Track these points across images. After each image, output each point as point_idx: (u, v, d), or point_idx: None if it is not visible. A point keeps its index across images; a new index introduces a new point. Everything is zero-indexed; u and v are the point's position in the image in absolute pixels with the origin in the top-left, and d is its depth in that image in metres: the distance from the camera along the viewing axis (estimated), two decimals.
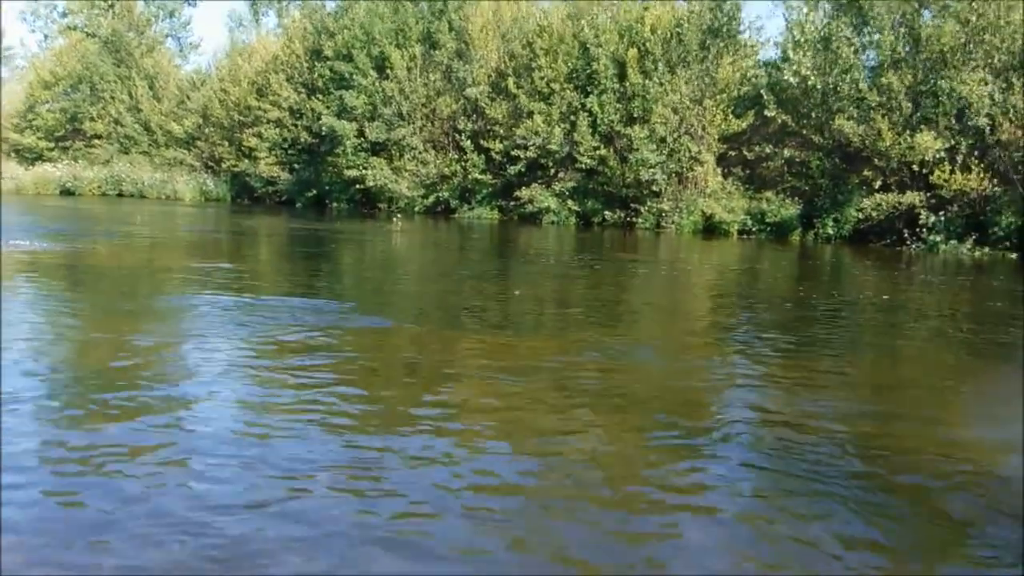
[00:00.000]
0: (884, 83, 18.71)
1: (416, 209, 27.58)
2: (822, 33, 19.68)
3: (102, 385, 4.89)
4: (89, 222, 20.69)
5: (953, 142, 18.06)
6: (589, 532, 3.14)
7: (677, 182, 22.58)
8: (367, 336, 6.65)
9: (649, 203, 22.50)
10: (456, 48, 26.99)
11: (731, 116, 22.19)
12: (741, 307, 9.66)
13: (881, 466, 3.91)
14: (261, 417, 4.32)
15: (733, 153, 22.46)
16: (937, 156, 17.98)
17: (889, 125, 18.42)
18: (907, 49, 18.92)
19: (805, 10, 20.19)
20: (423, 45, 27.83)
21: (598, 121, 23.06)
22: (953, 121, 18.33)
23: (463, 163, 26.38)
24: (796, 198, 20.59)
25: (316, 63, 30.73)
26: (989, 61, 17.81)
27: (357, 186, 28.82)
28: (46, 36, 48.88)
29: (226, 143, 34.37)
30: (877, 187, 19.06)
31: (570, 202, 23.97)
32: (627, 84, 22.75)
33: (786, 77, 19.85)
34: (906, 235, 18.12)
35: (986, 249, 17.20)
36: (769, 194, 21.04)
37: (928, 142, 17.81)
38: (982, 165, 17.63)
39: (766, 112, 20.54)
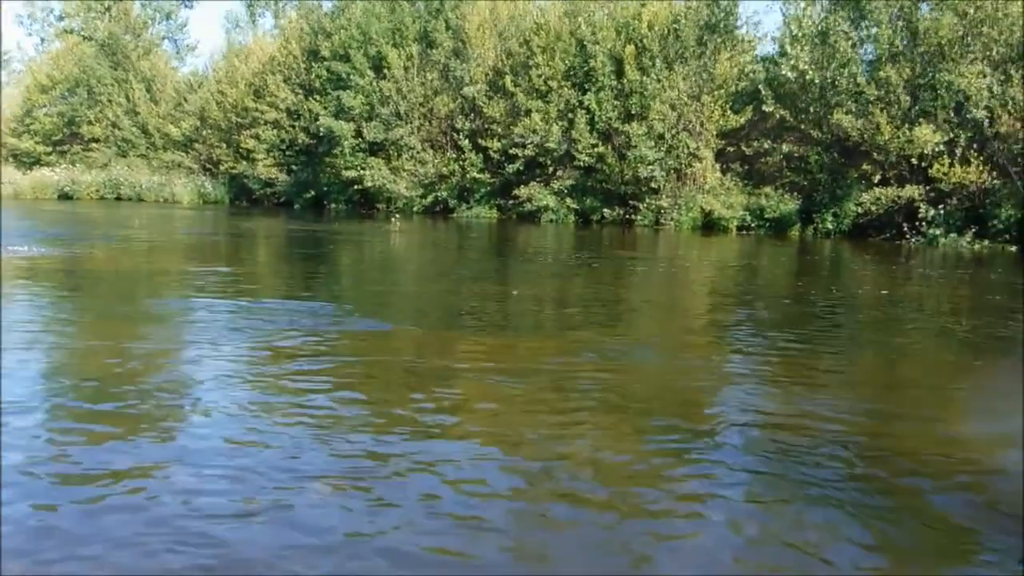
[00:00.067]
0: (882, 77, 18.68)
1: (415, 209, 27.55)
2: (820, 27, 19.65)
3: (97, 391, 4.86)
4: (87, 226, 20.66)
5: (952, 135, 18.03)
6: (585, 535, 3.11)
7: (676, 179, 22.56)
8: (365, 339, 6.62)
9: (648, 200, 22.48)
10: (453, 47, 26.96)
11: (729, 112, 22.17)
12: (740, 304, 9.63)
13: (879, 465, 3.88)
14: (257, 422, 4.29)
15: (731, 149, 22.44)
16: (936, 149, 17.95)
17: (888, 119, 18.39)
18: (905, 43, 18.89)
19: (802, 5, 20.18)
20: (420, 44, 27.81)
21: (596, 118, 23.03)
22: (952, 114, 18.31)
23: (461, 162, 26.35)
24: (795, 193, 20.57)
25: (313, 64, 30.71)
26: (987, 54, 17.78)
27: (355, 187, 28.80)
28: (43, 39, 48.93)
29: (224, 145, 34.37)
30: (876, 181, 19.04)
31: (569, 200, 23.95)
32: (625, 81, 22.72)
33: (784, 72, 19.82)
34: (905, 229, 18.10)
35: (986, 242, 17.17)
36: (768, 189, 21.02)
37: (927, 135, 17.78)
38: (981, 158, 17.61)
39: (764, 107, 20.51)
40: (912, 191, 18.29)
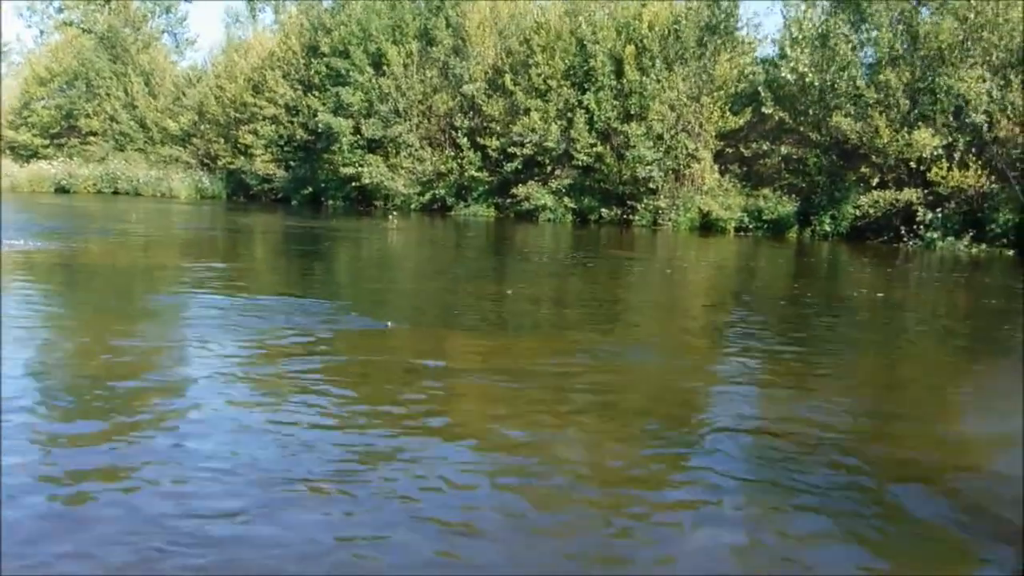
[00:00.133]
0: (882, 80, 18.67)
1: (412, 207, 27.50)
2: (820, 30, 19.63)
3: (89, 389, 4.83)
4: (84, 220, 20.61)
5: (951, 139, 18.03)
6: (575, 536, 3.10)
7: (674, 179, 22.54)
8: (359, 337, 6.60)
9: (646, 200, 22.45)
10: (453, 45, 26.91)
11: (728, 113, 22.14)
12: (736, 305, 9.62)
13: (873, 468, 3.86)
14: (251, 420, 4.26)
15: (730, 150, 22.42)
16: (935, 153, 17.95)
17: (887, 122, 18.38)
18: (905, 46, 18.87)
19: (803, 7, 20.16)
20: (420, 41, 27.75)
21: (595, 118, 23.00)
22: (951, 118, 18.30)
23: (459, 160, 26.31)
24: (793, 195, 20.56)
25: (312, 60, 30.62)
26: (987, 58, 17.77)
27: (353, 183, 28.74)
28: (42, 32, 48.73)
29: (222, 140, 34.27)
30: (874, 184, 19.04)
31: (567, 199, 23.92)
32: (624, 81, 22.69)
33: (784, 74, 19.81)
34: (903, 232, 18.09)
35: (983, 246, 17.18)
36: (766, 191, 21.01)
37: (926, 139, 17.77)
38: (980, 162, 17.62)
39: (763, 109, 20.49)
40: (910, 194, 18.28)
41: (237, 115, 33.20)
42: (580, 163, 23.23)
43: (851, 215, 19.35)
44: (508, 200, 25.07)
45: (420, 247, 17.51)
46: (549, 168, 24.39)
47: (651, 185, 22.37)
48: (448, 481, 3.56)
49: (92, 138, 39.55)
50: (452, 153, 26.82)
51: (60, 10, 46.27)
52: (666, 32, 22.71)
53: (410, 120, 27.60)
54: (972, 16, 17.71)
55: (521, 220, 24.07)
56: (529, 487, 3.57)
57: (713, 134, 22.28)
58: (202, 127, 35.49)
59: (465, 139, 25.91)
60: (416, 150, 27.46)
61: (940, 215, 17.89)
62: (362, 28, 28.61)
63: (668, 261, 15.30)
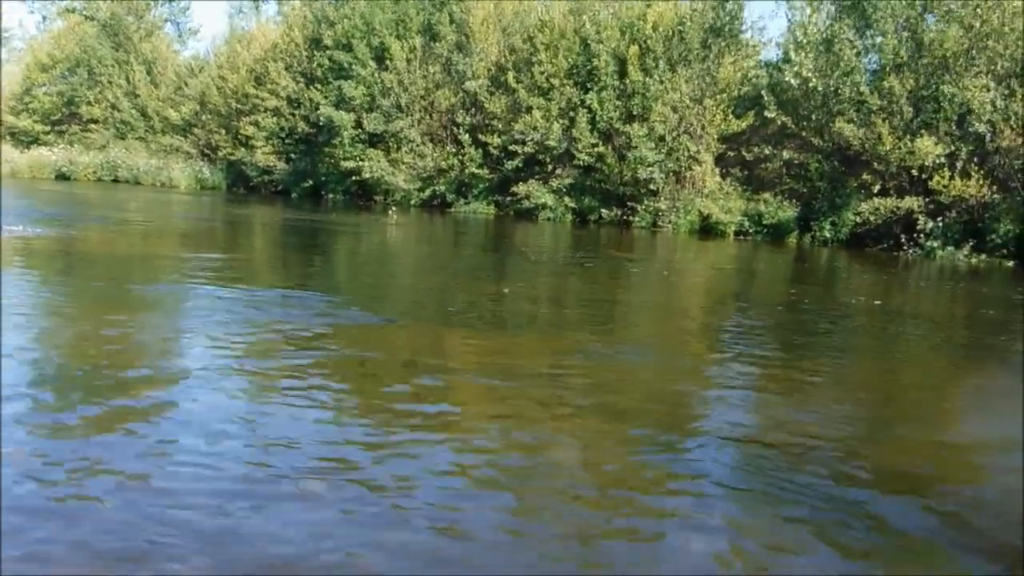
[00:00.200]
0: (885, 87, 18.62)
1: (412, 202, 27.45)
2: (824, 35, 19.57)
3: (82, 380, 4.80)
4: (83, 208, 20.56)
5: (953, 148, 17.99)
6: (564, 537, 3.07)
7: (675, 181, 22.50)
8: (353, 332, 6.56)
9: (646, 202, 22.41)
10: (456, 41, 26.84)
11: (731, 116, 22.09)
12: (732, 309, 9.59)
13: (864, 476, 3.83)
14: (243, 414, 4.23)
15: (732, 153, 22.36)
16: (937, 161, 17.90)
17: (889, 129, 18.34)
18: (909, 53, 18.82)
19: (808, 11, 20.08)
20: (423, 37, 27.67)
21: (597, 118, 22.95)
22: (954, 127, 18.26)
23: (460, 157, 26.25)
24: (794, 200, 20.51)
25: (315, 52, 30.53)
26: (992, 67, 17.73)
27: (353, 177, 28.66)
28: (44, 18, 48.70)
29: (223, 131, 34.18)
30: (875, 191, 18.99)
31: (567, 199, 23.86)
32: (627, 81, 22.63)
33: (787, 78, 19.74)
34: (903, 240, 18.05)
35: (983, 256, 17.15)
36: (767, 195, 20.95)
37: (928, 147, 17.73)
38: (982, 172, 17.57)
39: (766, 113, 20.43)
40: (911, 202, 18.25)
41: (239, 106, 33.12)
42: (581, 163, 23.18)
43: (851, 222, 19.31)
44: (508, 198, 25.02)
45: (419, 243, 17.47)
46: (550, 167, 24.34)
47: (652, 187, 22.32)
48: (438, 480, 3.53)
49: (93, 126, 39.44)
50: (453, 149, 26.76)
51: None
52: (670, 33, 22.65)
53: (412, 115, 27.54)
54: (978, 25, 17.66)
55: (521, 218, 24.03)
56: (518, 487, 3.54)
57: (715, 137, 22.23)
58: (203, 117, 35.40)
59: (466, 136, 25.85)
60: (417, 146, 27.40)
61: (941, 224, 17.85)
62: (365, 22, 28.53)
63: (667, 263, 15.27)
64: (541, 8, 26.08)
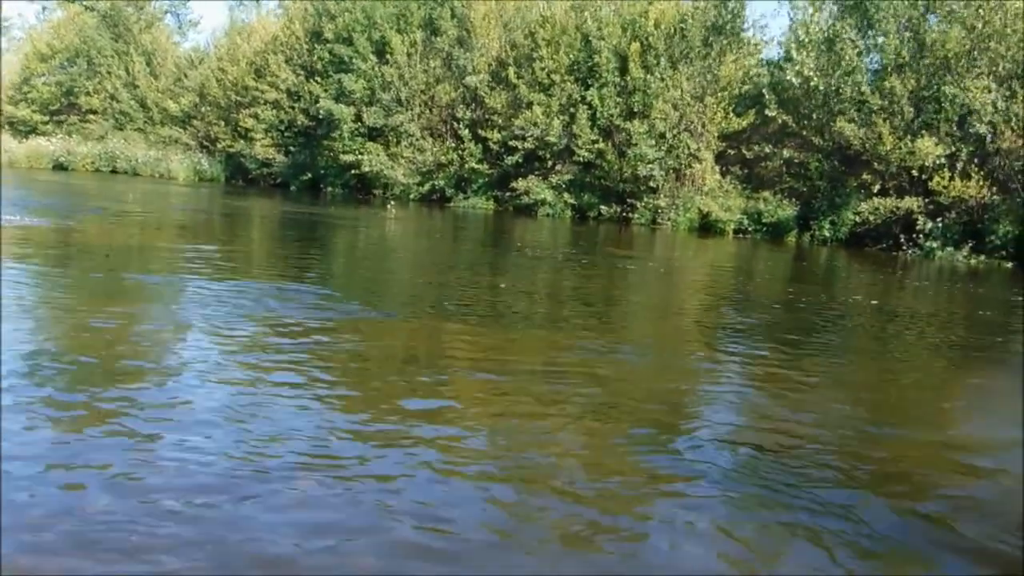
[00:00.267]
0: (887, 87, 18.59)
1: (411, 196, 27.41)
2: (826, 34, 19.53)
3: (73, 374, 4.76)
4: (81, 198, 20.49)
5: (954, 149, 17.97)
6: (556, 537, 3.04)
7: (675, 179, 22.47)
8: (350, 326, 6.52)
9: (646, 199, 22.38)
10: (457, 35, 26.78)
11: (732, 114, 22.07)
12: (730, 308, 9.56)
13: (858, 474, 3.80)
14: (236, 407, 4.19)
15: (732, 152, 22.35)
16: (937, 162, 17.89)
17: (890, 129, 18.32)
18: (911, 53, 18.79)
19: (810, 10, 20.05)
20: (424, 31, 27.61)
21: (598, 114, 22.91)
22: (954, 127, 18.24)
23: (460, 152, 26.21)
24: (793, 199, 20.50)
25: (316, 45, 30.48)
26: (993, 69, 17.70)
27: (353, 171, 28.63)
28: (44, 7, 48.44)
29: (222, 123, 34.12)
30: (875, 191, 18.98)
31: (566, 195, 23.83)
32: (628, 78, 22.59)
33: (788, 77, 19.71)
34: (903, 240, 18.05)
35: (982, 257, 17.14)
36: (767, 194, 20.94)
37: (929, 148, 17.71)
38: (982, 173, 17.56)
39: (767, 112, 20.41)
40: (911, 203, 18.23)
41: (238, 98, 33.05)
42: (581, 159, 23.15)
43: (851, 221, 19.30)
44: (507, 193, 24.99)
45: (418, 238, 17.43)
46: (550, 163, 24.30)
47: (651, 184, 22.29)
48: (431, 478, 3.50)
49: (92, 116, 39.34)
50: (453, 144, 26.72)
51: None
52: (672, 31, 22.61)
53: (412, 110, 27.48)
54: (980, 26, 17.63)
55: (520, 214, 23.99)
56: (511, 486, 3.51)
57: (715, 135, 22.20)
58: (203, 109, 35.34)
59: (466, 131, 25.81)
60: (417, 140, 27.35)
61: (940, 225, 17.84)
62: (366, 15, 28.46)
63: (665, 261, 15.25)
64: (543, 4, 26.00)
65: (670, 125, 22.15)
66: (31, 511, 2.98)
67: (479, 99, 25.76)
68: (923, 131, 18.15)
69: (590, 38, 23.42)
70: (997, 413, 5.22)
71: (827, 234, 19.65)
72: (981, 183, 17.45)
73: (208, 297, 7.32)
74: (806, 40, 19.59)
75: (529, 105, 23.75)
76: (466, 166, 25.98)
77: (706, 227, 21.27)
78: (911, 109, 18.56)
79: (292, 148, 31.91)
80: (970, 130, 17.91)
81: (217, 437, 3.78)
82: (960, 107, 17.84)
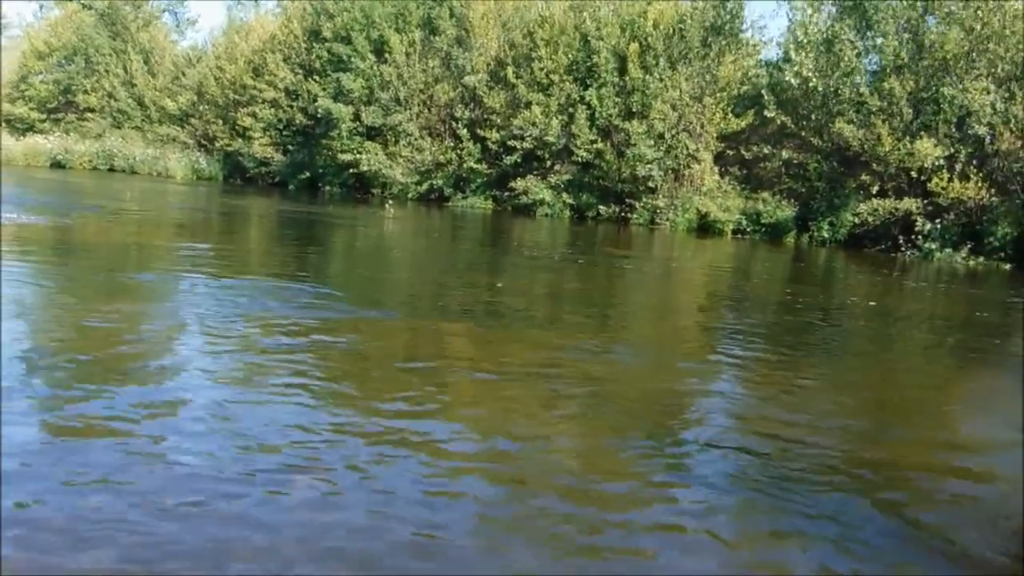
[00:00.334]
0: (886, 88, 18.59)
1: (409, 196, 27.38)
2: (825, 35, 19.53)
3: (73, 371, 4.74)
4: (78, 196, 20.44)
5: (952, 150, 17.97)
6: (550, 537, 3.02)
7: (673, 179, 22.45)
8: (347, 325, 6.50)
9: (644, 199, 22.36)
10: (456, 35, 26.75)
11: (730, 115, 22.06)
12: (727, 309, 9.55)
13: (854, 476, 3.79)
14: (233, 408, 4.17)
15: (731, 152, 22.34)
16: (936, 163, 17.89)
17: (889, 130, 18.31)
18: (910, 55, 18.79)
19: (809, 11, 20.04)
20: (423, 30, 27.57)
21: (596, 114, 22.89)
22: (953, 129, 18.25)
23: (459, 151, 26.18)
24: (792, 200, 20.49)
25: (314, 44, 30.43)
26: (992, 70, 17.71)
27: (351, 170, 28.59)
28: (42, 5, 48.33)
29: (220, 121, 34.05)
30: (874, 192, 18.98)
31: (565, 195, 23.81)
32: (627, 78, 22.57)
33: (787, 78, 19.70)
34: (901, 241, 18.05)
35: (980, 259, 17.15)
36: (765, 195, 20.93)
37: (927, 149, 17.71)
38: (981, 174, 17.57)
39: (766, 112, 20.40)
40: (910, 204, 18.24)
41: (236, 97, 32.98)
42: (580, 159, 23.13)
43: (849, 222, 19.30)
44: (506, 193, 24.96)
45: (416, 237, 17.40)
46: (548, 163, 24.28)
47: (650, 184, 22.27)
48: (427, 478, 3.49)
49: (89, 114, 39.25)
50: (451, 144, 26.68)
51: None
52: (671, 31, 22.59)
53: (410, 109, 27.45)
54: (979, 27, 17.63)
55: (518, 214, 23.97)
56: (507, 486, 3.50)
57: (714, 135, 22.19)
58: (200, 108, 35.26)
59: (465, 130, 25.77)
60: (415, 139, 27.31)
61: (939, 226, 17.84)
62: (365, 14, 28.42)
63: (664, 261, 15.23)
64: (541, 4, 25.97)
65: (669, 125, 22.13)
66: (31, 511, 2.97)
67: (478, 99, 25.73)
68: (922, 132, 18.16)
69: (589, 38, 23.41)
70: (996, 414, 5.21)
71: (826, 235, 19.65)
72: (980, 184, 17.46)
73: (205, 296, 7.29)
74: (805, 41, 19.59)
75: (528, 105, 23.72)
76: (464, 166, 25.95)
77: (704, 227, 21.26)
78: (910, 110, 18.57)
79: (290, 147, 31.87)
80: (969, 131, 17.91)
81: (215, 437, 3.76)
82: (959, 108, 17.85)
